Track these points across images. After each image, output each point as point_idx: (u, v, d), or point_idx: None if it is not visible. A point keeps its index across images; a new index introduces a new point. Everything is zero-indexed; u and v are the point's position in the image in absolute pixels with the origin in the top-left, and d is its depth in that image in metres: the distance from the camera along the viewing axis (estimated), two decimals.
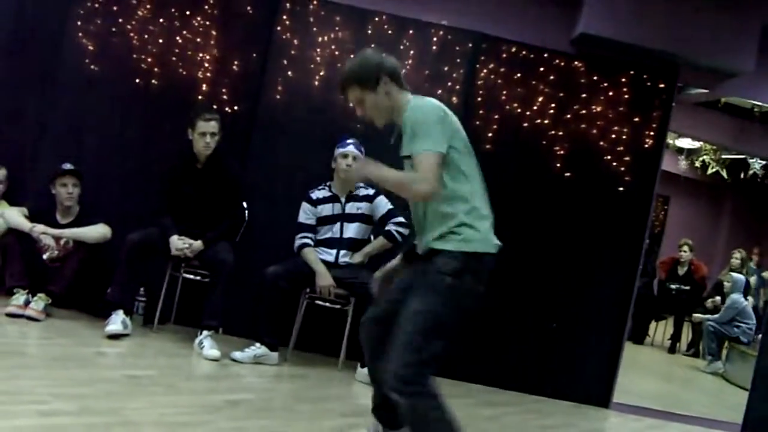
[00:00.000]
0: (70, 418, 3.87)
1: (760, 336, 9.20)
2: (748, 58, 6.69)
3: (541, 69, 6.72)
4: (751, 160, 14.13)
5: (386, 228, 6.14)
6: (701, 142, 13.97)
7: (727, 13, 6.59)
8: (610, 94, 6.73)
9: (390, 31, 6.67)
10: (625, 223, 6.78)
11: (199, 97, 6.61)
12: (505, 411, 5.99)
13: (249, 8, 6.68)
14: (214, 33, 6.69)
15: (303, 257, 6.09)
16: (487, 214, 3.72)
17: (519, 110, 6.67)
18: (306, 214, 6.18)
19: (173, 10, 6.68)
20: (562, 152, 6.69)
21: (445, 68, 6.67)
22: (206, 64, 6.67)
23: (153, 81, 6.67)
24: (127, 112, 6.67)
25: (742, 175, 14.75)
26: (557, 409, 6.39)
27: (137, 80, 6.65)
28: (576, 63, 6.74)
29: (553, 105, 6.70)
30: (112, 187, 6.59)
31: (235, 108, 6.61)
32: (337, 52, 6.67)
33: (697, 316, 11.15)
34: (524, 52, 6.72)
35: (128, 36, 6.67)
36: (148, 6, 6.67)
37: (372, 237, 6.31)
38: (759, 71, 6.91)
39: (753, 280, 11.80)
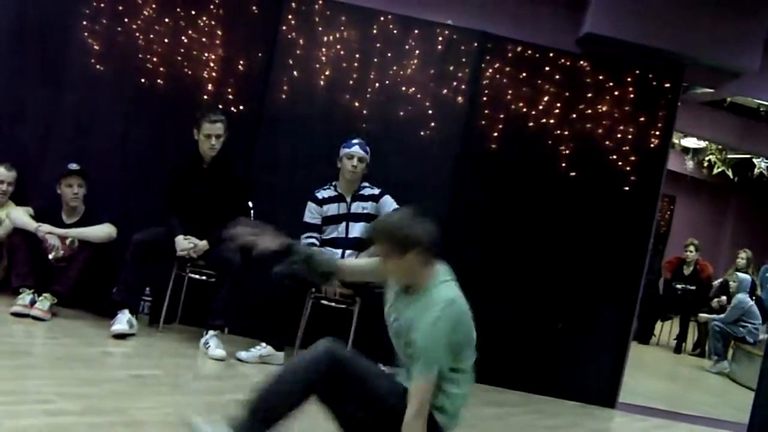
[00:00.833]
0: (75, 418, 3.88)
1: (766, 336, 9.20)
2: (753, 57, 6.68)
3: (547, 68, 6.71)
4: (756, 160, 14.10)
5: None
6: (707, 142, 13.95)
7: (732, 12, 6.58)
8: (616, 93, 6.72)
9: (395, 31, 6.66)
10: (631, 222, 6.77)
11: (205, 97, 6.60)
12: (510, 411, 5.99)
13: (254, 8, 6.67)
14: (219, 33, 6.68)
15: None
16: None
17: (524, 109, 6.66)
18: (311, 213, 6.18)
19: (179, 10, 6.68)
20: (567, 151, 6.69)
21: (451, 68, 6.67)
22: (211, 64, 6.67)
23: (158, 81, 6.66)
24: (132, 112, 6.66)
25: (749, 175, 14.71)
26: (563, 409, 6.38)
27: (142, 80, 6.65)
28: (581, 62, 6.74)
29: (558, 104, 6.69)
30: (118, 186, 6.58)
31: (240, 108, 6.61)
32: (342, 52, 6.66)
33: (703, 316, 11.14)
34: (529, 52, 6.71)
35: (134, 36, 6.67)
36: (154, 6, 6.67)
37: None
38: (764, 70, 6.90)
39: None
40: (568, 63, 6.73)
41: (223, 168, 6.22)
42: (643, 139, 6.73)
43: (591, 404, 6.60)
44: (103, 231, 6.17)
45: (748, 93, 8.24)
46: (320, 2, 6.67)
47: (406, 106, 6.61)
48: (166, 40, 6.67)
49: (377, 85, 6.65)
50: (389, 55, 6.66)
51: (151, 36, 6.67)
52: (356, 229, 6.17)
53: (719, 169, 14.92)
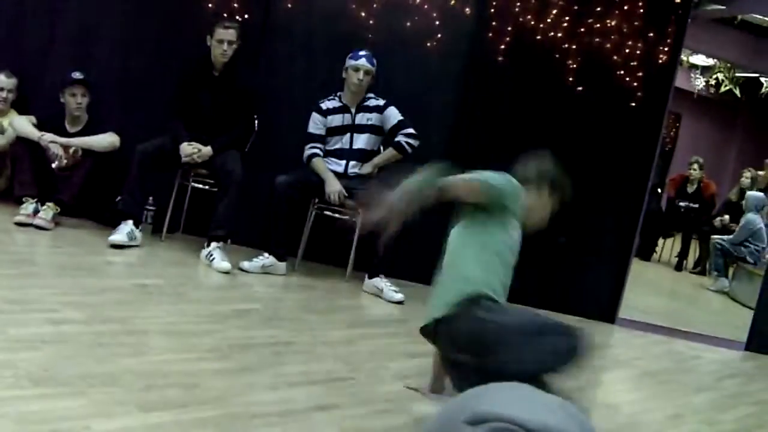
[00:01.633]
0: (79, 327, 3.90)
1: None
2: None
3: None
4: (764, 79, 13.98)
5: (396, 139, 6.10)
6: (715, 60, 13.82)
7: None
8: (625, 8, 6.61)
9: None
10: (636, 139, 6.73)
11: (210, 5, 6.51)
12: None
13: None
14: None
15: (312, 167, 6.07)
16: None
17: (532, 23, 6.57)
18: (316, 124, 6.14)
19: None
20: (574, 66, 6.61)
21: None
22: None
23: None
24: (136, 20, 6.57)
25: (757, 94, 14.59)
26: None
27: None
28: None
29: (566, 18, 6.59)
30: (121, 95, 6.54)
31: (246, 16, 6.51)
32: None
33: (716, 238, 11.03)
34: None
35: None
36: None
37: (382, 148, 6.27)
38: None
39: None
40: None
41: (233, 77, 6.19)
42: (651, 55, 6.66)
43: (591, 319, 6.63)
44: (107, 140, 6.15)
45: (759, 11, 8.13)
46: None
47: (412, 17, 6.51)
48: None
49: None
50: None
51: None
52: (360, 140, 6.15)
53: (726, 88, 14.80)
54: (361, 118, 6.14)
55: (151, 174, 5.96)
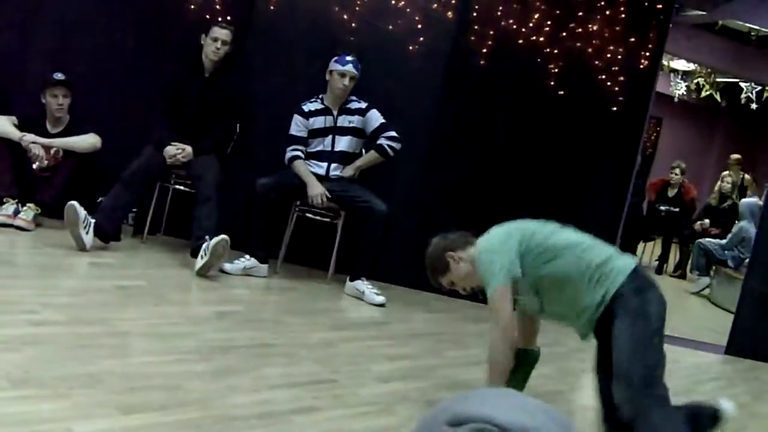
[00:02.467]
0: (60, 328, 3.89)
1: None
2: None
3: None
4: (744, 84, 14.07)
5: (378, 142, 6.10)
6: (696, 65, 13.89)
7: None
8: (607, 13, 6.65)
9: None
10: (618, 143, 6.77)
11: (192, 7, 6.50)
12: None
13: None
14: None
15: (294, 169, 6.07)
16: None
17: (514, 26, 6.59)
18: (297, 126, 6.13)
19: None
20: (556, 70, 6.64)
21: None
22: None
23: None
24: (118, 21, 6.55)
25: (737, 99, 14.68)
26: (546, 328, 6.42)
27: None
28: None
29: (548, 22, 6.62)
30: (103, 96, 6.51)
31: (228, 18, 6.51)
32: None
33: (703, 241, 11.03)
34: None
35: None
36: None
37: (363, 151, 6.28)
38: None
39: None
40: None
41: (222, 79, 6.22)
42: (632, 60, 6.69)
43: None
44: (88, 141, 6.13)
45: (739, 17, 8.18)
46: None
47: (395, 20, 6.53)
48: None
49: None
50: None
51: None
52: (342, 143, 6.15)
53: (707, 93, 14.89)
54: (343, 121, 6.14)
55: (138, 190, 5.92)
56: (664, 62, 12.50)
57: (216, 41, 6.06)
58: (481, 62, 6.58)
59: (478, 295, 3.80)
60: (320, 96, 6.19)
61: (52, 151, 6.03)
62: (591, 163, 6.73)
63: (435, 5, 6.52)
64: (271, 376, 3.90)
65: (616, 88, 6.68)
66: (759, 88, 13.92)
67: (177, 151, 5.98)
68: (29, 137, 5.99)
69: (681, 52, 11.33)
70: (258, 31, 6.57)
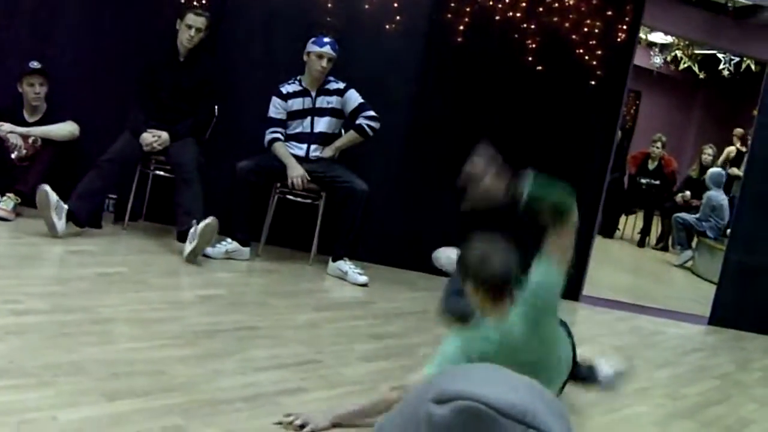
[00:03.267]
0: (43, 317, 3.88)
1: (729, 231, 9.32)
2: None
3: None
4: (721, 55, 14.09)
5: (357, 122, 6.09)
6: (673, 37, 13.90)
7: None
8: None
9: None
10: (597, 117, 6.77)
11: None
12: None
13: None
14: None
15: (273, 152, 6.05)
16: None
17: (491, 2, 6.57)
18: (276, 108, 6.11)
19: None
20: (533, 45, 6.63)
21: None
22: None
23: None
24: (95, 7, 6.49)
25: (716, 71, 14.70)
26: None
27: None
28: None
29: None
30: (80, 83, 6.46)
31: (203, 1, 6.47)
32: None
33: (680, 216, 11.08)
34: None
35: None
36: None
37: (343, 131, 6.27)
38: None
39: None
40: None
41: (197, 65, 6.18)
42: (609, 34, 6.69)
43: None
44: (66, 129, 6.10)
45: None
46: None
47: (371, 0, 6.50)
48: None
49: None
50: None
51: None
52: (321, 124, 6.14)
53: (685, 65, 14.91)
54: (322, 102, 6.13)
55: (113, 178, 5.90)
56: (642, 35, 12.51)
57: (190, 29, 6.02)
58: (459, 39, 6.56)
59: None
60: (298, 77, 6.17)
61: (30, 140, 5.99)
62: (571, 138, 6.73)
63: None
64: (257, 358, 3.91)
65: (594, 62, 6.67)
66: (737, 59, 13.95)
67: (153, 138, 5.95)
68: (6, 127, 5.95)
69: (658, 24, 11.31)
70: (234, 13, 6.52)
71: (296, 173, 5.94)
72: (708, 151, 11.71)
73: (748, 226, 7.02)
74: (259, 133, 6.14)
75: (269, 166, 5.98)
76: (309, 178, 5.98)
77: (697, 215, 10.67)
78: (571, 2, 6.62)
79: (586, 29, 6.65)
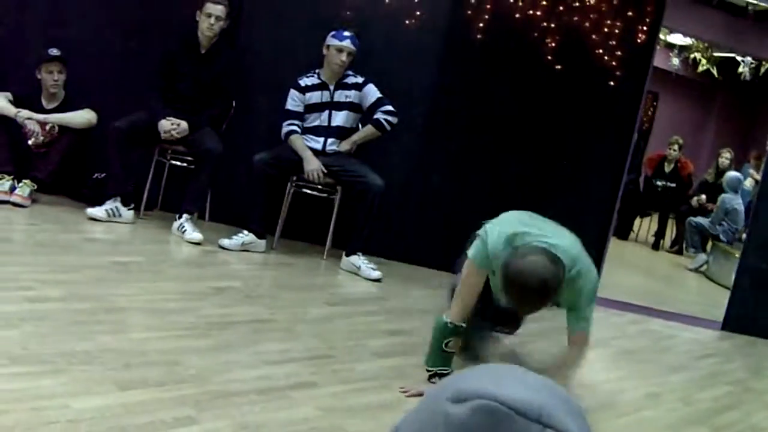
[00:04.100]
0: (57, 304, 3.89)
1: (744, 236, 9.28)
2: None
3: None
4: (740, 59, 14.03)
5: (375, 116, 6.08)
6: (692, 39, 13.84)
7: None
8: None
9: None
10: (615, 118, 6.75)
11: None
12: None
13: None
14: None
15: (290, 144, 6.04)
16: None
17: (511, 0, 6.55)
18: (294, 101, 6.11)
19: None
20: (553, 44, 6.61)
21: None
22: None
23: None
24: None
25: (735, 73, 14.62)
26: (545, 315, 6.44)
27: None
28: None
29: None
30: (98, 71, 6.48)
31: None
32: None
33: (694, 219, 11.04)
34: None
35: None
36: None
37: (360, 125, 6.26)
38: None
39: (748, 182, 11.66)
40: None
41: (217, 57, 6.19)
42: (630, 35, 6.66)
43: None
44: (83, 117, 6.11)
45: None
46: None
47: None
48: None
49: None
50: None
51: None
52: (339, 118, 6.13)
53: (704, 67, 14.84)
54: (340, 95, 6.12)
55: (129, 150, 5.93)
56: (660, 36, 12.48)
57: (210, 17, 6.02)
58: (478, 36, 6.55)
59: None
60: (317, 71, 6.16)
61: (48, 127, 6.01)
62: (588, 138, 6.71)
63: None
64: (269, 351, 3.91)
65: (614, 63, 6.65)
66: (755, 62, 13.88)
67: (172, 126, 5.96)
68: (24, 113, 5.96)
69: (678, 26, 11.28)
70: (254, 5, 6.52)
71: (313, 166, 5.93)
72: (726, 155, 11.64)
73: (764, 230, 6.98)
74: (276, 125, 6.14)
75: (286, 159, 5.97)
76: (325, 171, 5.97)
77: (710, 218, 10.63)
78: (591, 2, 6.59)
79: (606, 29, 6.62)
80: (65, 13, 6.47)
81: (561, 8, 6.57)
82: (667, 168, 11.77)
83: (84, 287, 4.25)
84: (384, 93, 6.10)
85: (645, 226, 12.28)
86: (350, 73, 6.14)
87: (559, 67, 6.62)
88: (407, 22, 6.49)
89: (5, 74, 6.38)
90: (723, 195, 10.57)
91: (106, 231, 5.63)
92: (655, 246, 11.70)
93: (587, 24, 6.60)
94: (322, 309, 4.95)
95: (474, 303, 3.86)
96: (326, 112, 6.11)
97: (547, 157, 6.72)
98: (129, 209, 5.91)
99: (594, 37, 6.62)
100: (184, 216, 5.87)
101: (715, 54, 14.53)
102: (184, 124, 5.98)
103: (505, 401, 0.88)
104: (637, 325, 6.52)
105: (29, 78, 6.14)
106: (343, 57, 5.99)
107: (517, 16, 6.55)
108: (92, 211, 5.71)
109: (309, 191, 6.22)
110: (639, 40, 6.67)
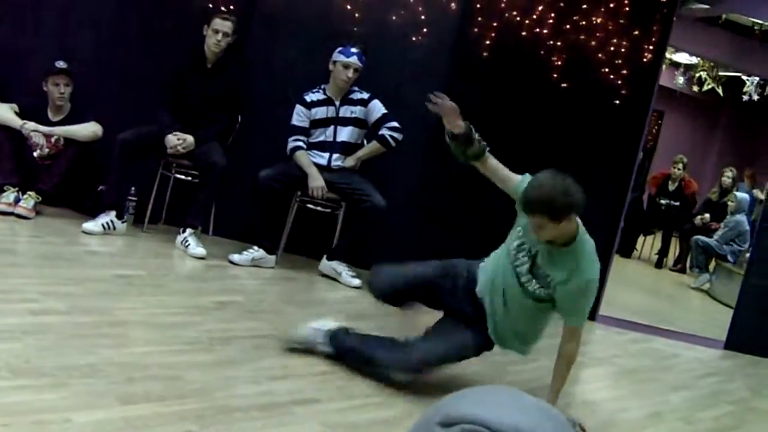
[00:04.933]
0: (60, 317, 3.89)
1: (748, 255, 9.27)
2: None
3: None
4: (746, 78, 14.04)
5: (380, 132, 6.09)
6: (698, 58, 13.86)
7: None
8: (611, 5, 6.63)
9: None
10: (620, 136, 6.75)
11: None
12: None
13: None
14: None
15: (295, 160, 6.05)
16: None
17: (518, 18, 6.57)
18: (299, 116, 6.11)
19: None
20: (559, 63, 6.62)
21: None
22: None
23: None
24: (120, 10, 6.53)
25: (740, 93, 14.63)
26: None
27: None
28: None
29: (552, 14, 6.59)
30: (104, 84, 6.50)
31: (232, 8, 6.48)
32: None
33: (701, 238, 11.03)
34: None
35: None
36: None
37: (365, 141, 6.27)
38: None
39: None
40: None
41: (224, 72, 6.21)
42: (636, 53, 6.67)
43: None
44: (89, 129, 6.12)
45: (743, 10, 8.15)
46: None
47: (398, 11, 6.50)
48: None
49: None
50: None
51: None
52: (344, 133, 6.13)
53: (709, 86, 14.86)
54: (345, 111, 6.13)
55: (132, 163, 5.94)
56: (666, 55, 12.51)
57: (217, 33, 6.03)
58: (484, 54, 6.56)
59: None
60: (322, 86, 6.17)
61: (53, 140, 6.01)
62: (593, 157, 6.71)
63: None
64: (272, 367, 3.90)
65: (619, 81, 6.66)
66: (759, 81, 13.88)
67: (178, 141, 5.97)
68: (30, 125, 5.97)
69: (684, 45, 11.30)
70: (261, 20, 6.54)
71: (317, 184, 5.94)
72: (728, 174, 11.63)
73: (767, 249, 6.97)
74: (281, 140, 6.15)
75: (290, 175, 5.98)
76: (328, 191, 5.99)
77: (717, 238, 10.61)
78: (598, 21, 6.61)
79: (612, 48, 6.64)
80: (71, 26, 6.49)
81: (567, 27, 6.59)
82: (671, 186, 11.77)
83: (87, 300, 4.24)
84: (389, 109, 6.11)
85: (648, 245, 12.26)
86: (356, 88, 6.15)
87: (565, 85, 6.63)
88: (414, 39, 6.50)
89: (11, 86, 6.39)
90: (737, 216, 10.53)
91: (110, 244, 5.63)
92: (658, 264, 11.69)
93: (593, 42, 6.62)
94: None
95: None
96: (331, 128, 6.12)
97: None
98: (123, 222, 5.92)
99: (600, 55, 6.63)
100: (188, 230, 5.89)
101: (721, 73, 14.54)
102: (190, 139, 5.99)
103: (491, 425, 0.88)
104: (639, 343, 6.50)
105: (35, 90, 6.15)
106: (350, 73, 6.01)
107: (524, 34, 6.57)
108: (88, 225, 5.71)
109: (313, 207, 6.23)
110: (645, 59, 6.68)
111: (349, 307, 5.63)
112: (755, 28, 10.87)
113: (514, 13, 6.56)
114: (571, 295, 3.78)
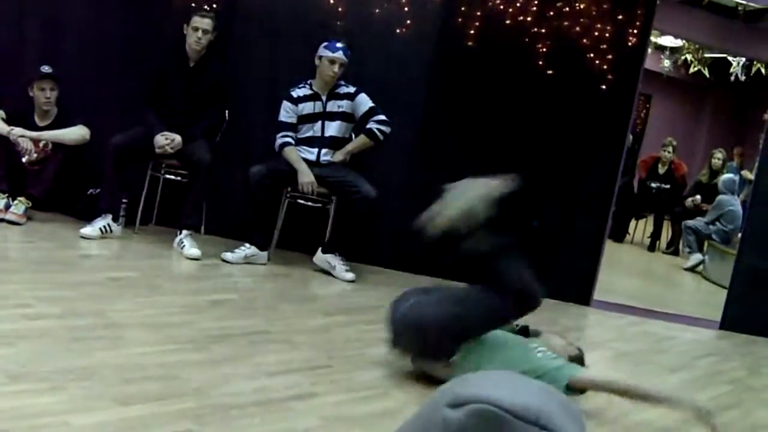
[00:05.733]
0: (55, 321, 3.89)
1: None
2: None
3: None
4: (732, 59, 14.05)
5: (367, 126, 6.09)
6: (683, 41, 13.86)
7: None
8: None
9: None
10: (608, 122, 6.75)
11: None
12: None
13: None
14: None
15: (284, 156, 6.05)
16: None
17: (501, 7, 6.56)
18: (287, 112, 6.11)
19: None
20: (544, 50, 6.61)
21: None
22: None
23: None
24: (104, 12, 6.52)
25: (726, 74, 14.65)
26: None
27: None
28: None
29: (536, 2, 6.59)
30: (90, 87, 6.48)
31: (214, 5, 6.48)
32: None
33: (690, 222, 11.06)
34: None
35: None
36: None
37: (353, 135, 6.27)
38: None
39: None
40: None
41: (207, 69, 6.20)
42: (620, 38, 6.67)
43: (566, 301, 6.64)
44: (77, 133, 6.11)
45: None
46: None
47: (381, 4, 6.49)
48: None
49: None
50: None
51: None
52: (332, 128, 6.14)
53: (695, 68, 14.86)
54: (332, 106, 6.13)
55: (126, 167, 5.94)
56: (651, 38, 12.51)
57: (197, 30, 6.01)
58: (469, 43, 6.56)
59: None
60: (309, 81, 6.17)
61: (41, 144, 6.01)
62: (581, 142, 6.72)
63: None
64: (268, 363, 3.91)
65: (605, 66, 6.65)
66: (744, 61, 13.89)
67: (166, 141, 5.96)
68: (17, 131, 5.96)
69: (668, 28, 11.29)
70: (244, 16, 6.54)
71: (306, 179, 5.94)
72: (718, 155, 11.63)
73: (759, 229, 6.99)
74: (268, 137, 6.15)
75: (280, 171, 5.98)
76: (318, 186, 5.99)
77: (705, 219, 10.63)
78: (581, 6, 6.61)
79: (596, 33, 6.63)
80: (56, 30, 6.47)
81: (551, 13, 6.58)
82: (661, 170, 11.77)
83: (81, 303, 4.24)
84: (376, 102, 6.11)
85: (640, 228, 12.28)
86: (342, 83, 6.15)
87: (550, 71, 6.63)
88: (398, 30, 6.50)
89: None
90: (720, 197, 10.56)
91: (102, 247, 5.63)
92: (651, 248, 11.69)
93: (578, 28, 6.61)
94: (320, 319, 4.95)
95: None
96: (319, 123, 6.12)
97: (541, 164, 6.72)
98: (118, 225, 5.92)
99: (585, 41, 6.63)
100: (184, 231, 5.88)
101: (706, 55, 14.54)
102: (178, 139, 5.98)
103: (502, 405, 0.88)
104: (635, 326, 6.52)
105: (21, 96, 6.14)
106: (336, 68, 6.01)
107: (508, 22, 6.57)
108: (86, 230, 5.71)
109: (303, 202, 6.23)
110: (630, 43, 6.68)
111: (343, 301, 5.65)
112: (739, 9, 10.85)
113: (498, 1, 6.55)
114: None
